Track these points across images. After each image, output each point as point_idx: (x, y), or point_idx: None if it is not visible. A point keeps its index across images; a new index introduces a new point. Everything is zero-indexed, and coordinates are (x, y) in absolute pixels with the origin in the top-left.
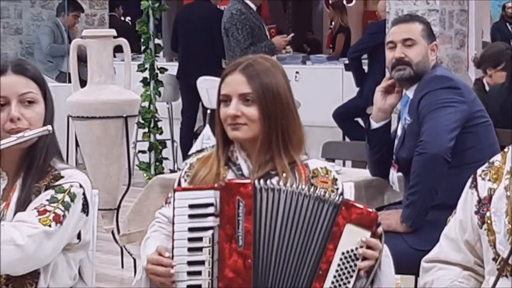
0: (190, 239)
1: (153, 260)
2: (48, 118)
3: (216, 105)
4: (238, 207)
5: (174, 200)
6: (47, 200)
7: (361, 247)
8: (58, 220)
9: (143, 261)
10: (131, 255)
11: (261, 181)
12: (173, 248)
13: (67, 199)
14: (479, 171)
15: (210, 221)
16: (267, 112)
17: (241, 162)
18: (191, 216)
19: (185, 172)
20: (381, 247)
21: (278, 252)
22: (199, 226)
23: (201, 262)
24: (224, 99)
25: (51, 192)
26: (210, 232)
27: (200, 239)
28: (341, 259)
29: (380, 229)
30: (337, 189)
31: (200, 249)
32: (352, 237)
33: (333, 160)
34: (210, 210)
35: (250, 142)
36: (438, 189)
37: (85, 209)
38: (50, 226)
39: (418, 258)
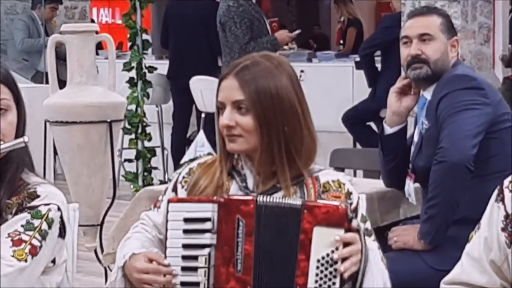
0: (184, 257)
1: (148, 269)
2: (21, 127)
3: (215, 111)
4: (237, 227)
5: (167, 212)
6: (22, 226)
7: (337, 248)
8: (34, 252)
9: (119, 260)
10: None
11: (264, 198)
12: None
13: (44, 226)
14: (506, 182)
15: (208, 238)
16: (265, 121)
17: (247, 173)
18: (186, 232)
19: (183, 177)
20: (359, 239)
21: (274, 276)
22: (194, 243)
23: (196, 284)
24: (219, 107)
25: (26, 216)
26: (206, 250)
27: (195, 258)
28: (317, 267)
29: (354, 223)
30: (351, 204)
31: (195, 269)
32: (325, 240)
33: (342, 170)
34: (208, 225)
35: (251, 153)
36: (459, 202)
37: (62, 233)
38: (26, 260)
39: (438, 279)
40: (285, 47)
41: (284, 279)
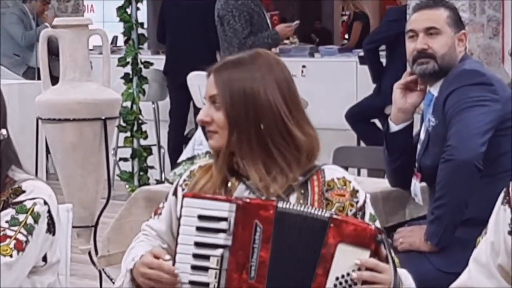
0: (196, 256)
1: (152, 264)
2: (1, 121)
3: None
4: (255, 233)
5: (181, 206)
6: (7, 222)
7: (359, 269)
8: (20, 247)
9: (128, 263)
10: (111, 280)
11: (285, 204)
12: (174, 262)
13: (30, 220)
14: None
15: (221, 239)
16: (234, 118)
17: (249, 173)
18: (199, 229)
19: (184, 180)
20: (389, 269)
21: (287, 285)
22: (207, 242)
23: (205, 284)
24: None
25: (11, 211)
26: (219, 251)
27: (207, 257)
28: (335, 286)
29: (383, 250)
30: (357, 202)
31: (206, 269)
32: (347, 258)
33: (346, 168)
34: (223, 225)
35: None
36: (468, 202)
37: (51, 228)
38: (11, 256)
39: (445, 282)
40: (286, 41)
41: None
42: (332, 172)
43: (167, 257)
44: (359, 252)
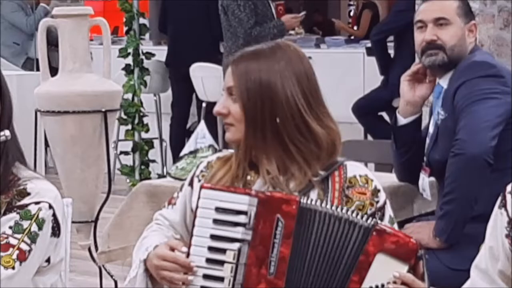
0: (211, 249)
1: (167, 256)
2: (5, 119)
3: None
4: (276, 227)
5: (198, 198)
6: (11, 227)
7: (394, 282)
8: (23, 258)
9: (142, 253)
10: (111, 276)
11: (308, 200)
12: (188, 255)
13: (34, 228)
14: (509, 188)
15: (239, 232)
16: (250, 110)
17: (268, 168)
18: (216, 222)
19: (201, 171)
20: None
21: (309, 284)
22: (224, 235)
23: (220, 279)
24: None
25: (15, 217)
26: (236, 245)
27: (223, 251)
28: None
29: (421, 267)
30: (377, 202)
31: (221, 263)
32: (384, 269)
33: None
34: (241, 219)
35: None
36: (478, 197)
37: (56, 231)
38: (13, 268)
39: (454, 279)
40: (292, 32)
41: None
42: (354, 168)
43: (184, 249)
44: (397, 265)
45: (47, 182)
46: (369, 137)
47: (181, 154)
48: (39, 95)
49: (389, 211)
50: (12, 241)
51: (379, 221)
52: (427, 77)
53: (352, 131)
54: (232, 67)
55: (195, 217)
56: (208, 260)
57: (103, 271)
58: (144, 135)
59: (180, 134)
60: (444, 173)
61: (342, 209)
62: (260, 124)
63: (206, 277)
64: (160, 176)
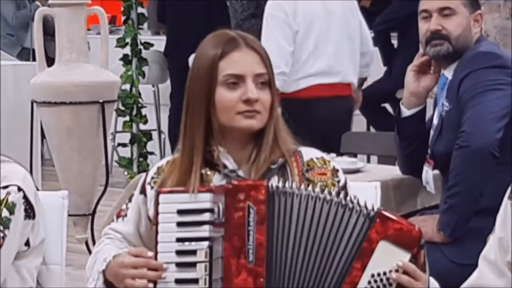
0: (179, 252)
1: (138, 263)
2: None
3: (200, 89)
4: (248, 215)
5: (158, 204)
6: None
7: (397, 270)
8: None
9: (99, 264)
10: None
11: (275, 183)
12: None
13: (4, 213)
14: None
15: (206, 231)
16: (274, 98)
17: (225, 161)
18: (180, 224)
19: (152, 177)
20: (425, 278)
21: (297, 270)
22: (191, 236)
23: (194, 281)
24: (232, 81)
25: None
26: (206, 243)
27: (193, 252)
28: (369, 282)
29: (422, 257)
30: (338, 181)
31: (193, 264)
32: (386, 257)
33: (355, 155)
34: (207, 217)
35: (247, 134)
36: (483, 191)
37: (30, 213)
38: None
39: (458, 274)
40: None
41: (302, 272)
42: (309, 152)
43: (150, 253)
44: (400, 253)
45: (13, 164)
46: (372, 129)
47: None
48: (35, 86)
49: (351, 192)
50: None
51: (382, 208)
52: (431, 68)
53: (354, 123)
54: (260, 55)
55: (157, 223)
56: (178, 264)
57: None
58: (142, 126)
59: (179, 125)
60: (448, 166)
61: (313, 190)
62: (275, 113)
63: (178, 281)
64: None
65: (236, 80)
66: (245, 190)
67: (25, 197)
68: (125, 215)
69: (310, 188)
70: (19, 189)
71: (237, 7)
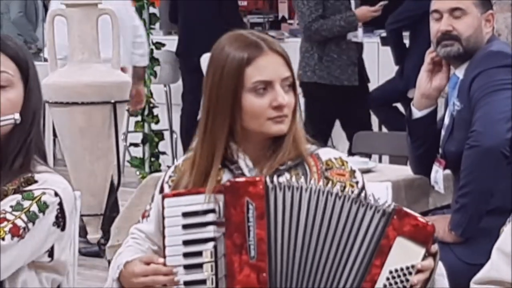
0: (186, 255)
1: (147, 271)
2: (28, 110)
3: (231, 94)
4: (247, 211)
5: (163, 208)
6: (11, 206)
7: (412, 267)
8: (16, 233)
9: (113, 272)
10: None
11: (274, 179)
12: (164, 266)
13: (34, 208)
14: None
15: (211, 231)
16: (297, 100)
17: (240, 161)
18: (186, 227)
19: (170, 176)
20: (433, 266)
21: (301, 264)
22: (196, 238)
23: (202, 282)
24: (261, 87)
25: (17, 197)
26: (211, 244)
27: (199, 253)
28: (388, 279)
29: (435, 246)
30: (357, 182)
31: (199, 265)
32: (403, 253)
33: (367, 155)
34: (210, 217)
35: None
36: (494, 190)
37: (60, 222)
38: (3, 239)
39: (470, 274)
40: None
41: (307, 267)
42: (327, 152)
43: (160, 260)
44: (415, 248)
45: (59, 176)
46: (384, 129)
47: (191, 146)
48: (47, 86)
49: (369, 191)
50: (9, 216)
51: (397, 204)
52: (442, 66)
53: None
54: (284, 58)
55: (163, 227)
56: (186, 267)
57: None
58: (154, 126)
59: (191, 125)
60: (459, 165)
61: (317, 184)
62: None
63: (187, 283)
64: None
65: (265, 86)
66: (243, 186)
67: (60, 204)
68: (148, 215)
69: (321, 183)
70: (56, 194)
71: (304, 11)
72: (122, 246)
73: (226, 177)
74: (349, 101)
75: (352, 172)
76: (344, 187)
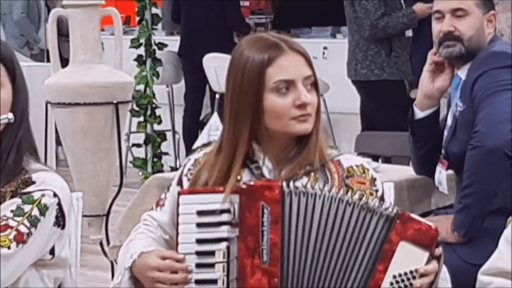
0: (199, 253)
1: (163, 266)
2: (17, 108)
3: (248, 95)
4: (262, 215)
5: (178, 205)
6: (12, 211)
7: (416, 271)
8: (21, 239)
9: (126, 260)
10: None
11: (290, 184)
12: None
13: (35, 212)
14: None
15: (225, 231)
16: (320, 99)
17: (260, 162)
18: (200, 225)
19: (189, 169)
20: (437, 269)
21: (312, 270)
22: (210, 237)
23: (213, 281)
24: (283, 86)
25: (17, 201)
26: (224, 244)
27: (211, 253)
28: (391, 284)
29: (439, 249)
30: (377, 191)
31: (211, 265)
32: (406, 257)
33: (369, 156)
34: (225, 217)
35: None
36: (497, 191)
37: (60, 222)
38: (9, 248)
39: (473, 274)
40: None
41: (317, 273)
42: (349, 159)
43: (181, 256)
44: (419, 252)
45: (55, 174)
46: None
47: (194, 146)
48: (49, 87)
49: (389, 198)
50: (12, 223)
51: (399, 209)
52: (445, 67)
53: None
54: (305, 57)
55: (178, 224)
56: (198, 265)
57: (115, 266)
58: (156, 127)
59: (193, 126)
60: (462, 166)
61: (352, 195)
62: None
63: (198, 282)
64: (173, 169)
65: (287, 85)
66: (259, 190)
67: (59, 204)
68: (163, 205)
69: (332, 190)
70: (55, 195)
71: (370, 7)
72: (132, 232)
73: (245, 176)
74: (408, 95)
75: (373, 180)
76: (363, 196)
